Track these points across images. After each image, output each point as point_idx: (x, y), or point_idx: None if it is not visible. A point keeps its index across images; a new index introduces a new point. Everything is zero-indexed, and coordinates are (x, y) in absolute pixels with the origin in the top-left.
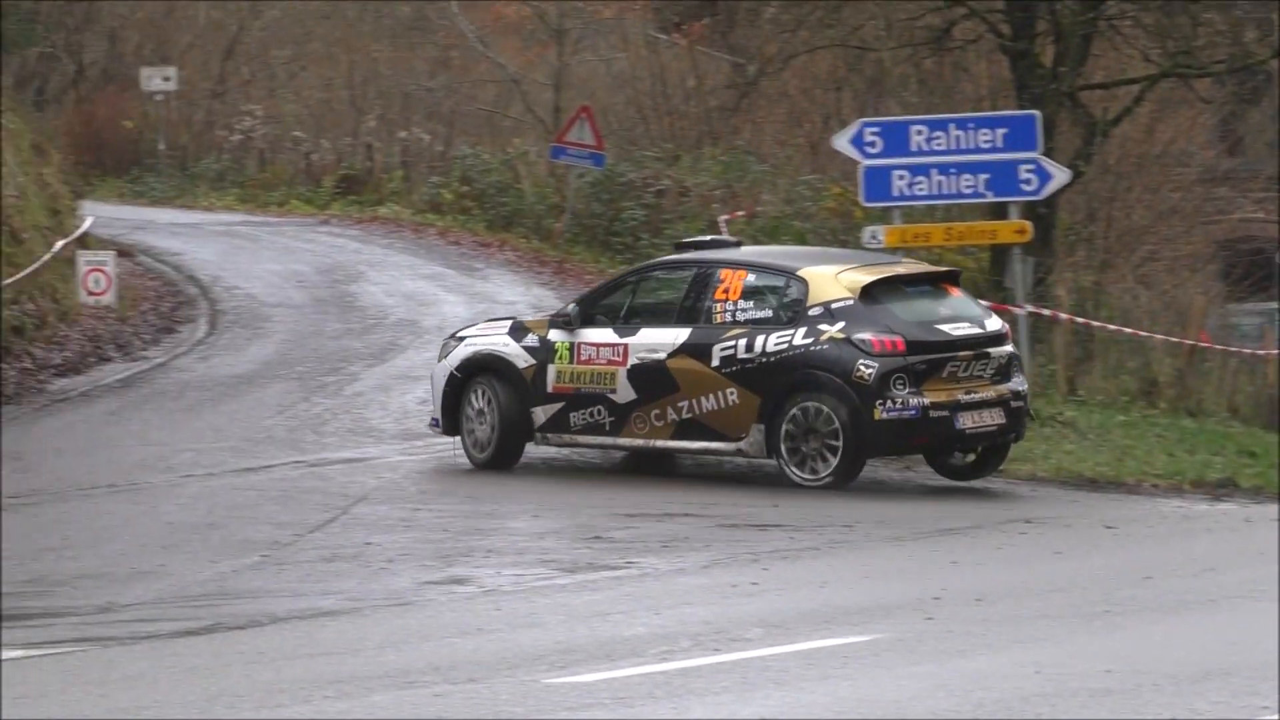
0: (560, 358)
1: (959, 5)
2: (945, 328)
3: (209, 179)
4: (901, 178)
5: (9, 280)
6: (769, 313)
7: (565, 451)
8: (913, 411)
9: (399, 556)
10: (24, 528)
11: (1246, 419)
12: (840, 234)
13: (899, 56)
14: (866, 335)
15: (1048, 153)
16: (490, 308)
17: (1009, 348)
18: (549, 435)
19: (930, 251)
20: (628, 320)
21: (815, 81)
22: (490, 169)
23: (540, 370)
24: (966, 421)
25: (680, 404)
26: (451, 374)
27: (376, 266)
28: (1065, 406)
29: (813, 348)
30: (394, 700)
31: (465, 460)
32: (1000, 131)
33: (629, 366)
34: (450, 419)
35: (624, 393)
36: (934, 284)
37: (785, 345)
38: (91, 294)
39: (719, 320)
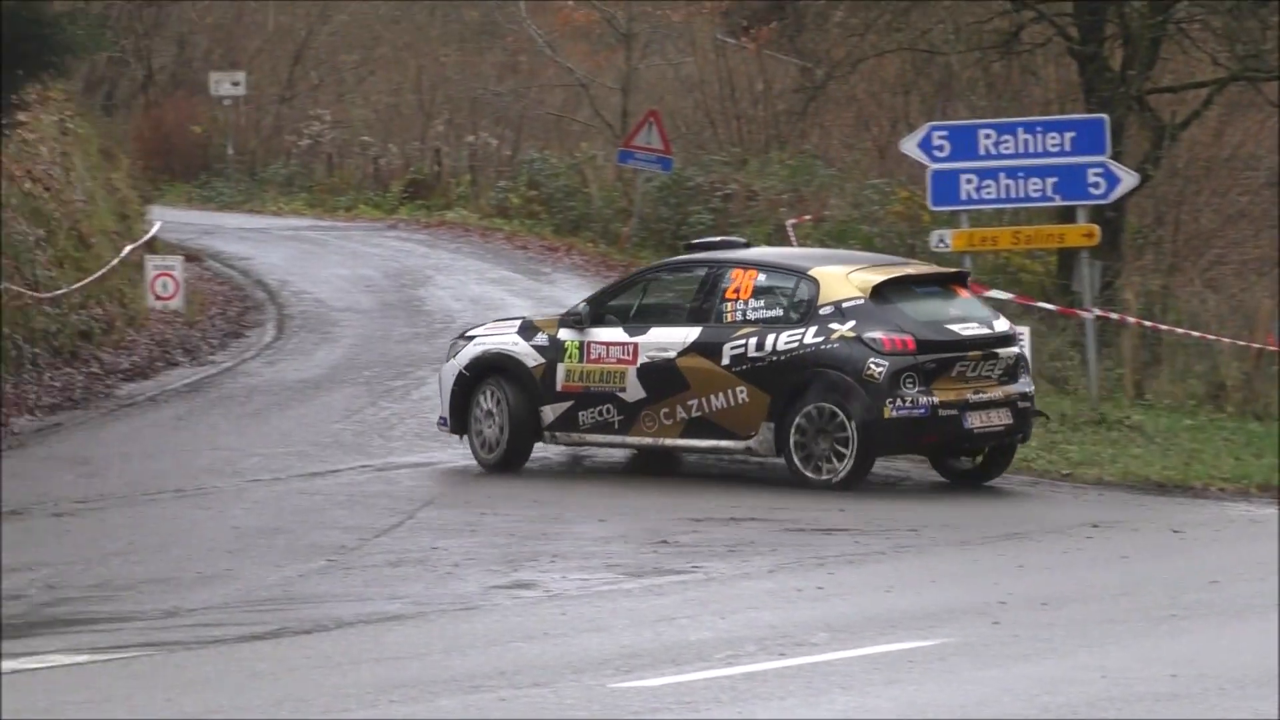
0: (570, 357)
1: (1027, 9)
2: (955, 327)
3: (277, 184)
4: (969, 181)
5: (77, 285)
6: (779, 312)
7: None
8: (922, 410)
9: (465, 561)
10: (91, 532)
11: None
12: (907, 238)
13: (967, 60)
14: (877, 334)
15: (1116, 156)
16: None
17: (1016, 349)
18: (557, 434)
19: (998, 255)
20: (638, 319)
21: (883, 85)
22: (558, 173)
23: (549, 369)
24: (975, 421)
25: (690, 402)
26: (460, 373)
27: (444, 271)
28: (1132, 410)
29: (823, 346)
30: (459, 705)
31: (536, 463)
32: (1068, 135)
33: (639, 365)
34: (458, 419)
35: (633, 391)
36: (943, 285)
37: (796, 344)
38: (159, 299)
39: (729, 319)
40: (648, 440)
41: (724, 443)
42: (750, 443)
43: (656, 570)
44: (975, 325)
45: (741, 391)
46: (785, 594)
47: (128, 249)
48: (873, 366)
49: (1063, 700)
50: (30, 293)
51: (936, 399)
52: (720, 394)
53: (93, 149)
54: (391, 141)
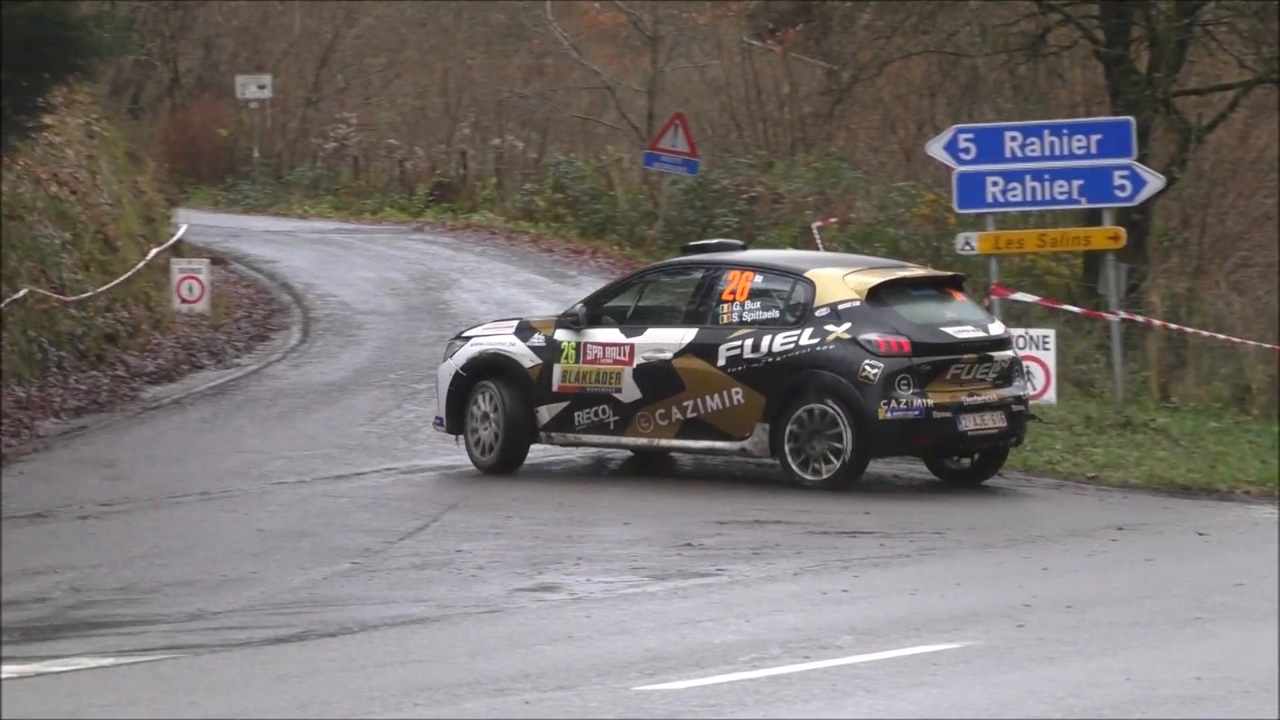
0: (566, 357)
1: (1054, 11)
2: (950, 330)
3: (303, 186)
4: (995, 184)
5: (103, 288)
6: (775, 313)
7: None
8: (916, 412)
9: (489, 564)
10: (116, 535)
11: None
12: (933, 240)
13: (993, 63)
14: (872, 336)
15: (1142, 159)
16: None
17: (1011, 352)
18: (553, 434)
19: (1023, 258)
20: (634, 321)
21: (909, 88)
22: (584, 176)
23: (546, 370)
24: (968, 424)
25: (685, 403)
26: (457, 373)
27: (469, 274)
28: (1158, 413)
29: (819, 348)
30: (484, 708)
31: (561, 466)
32: (1094, 138)
33: (635, 366)
34: (454, 419)
35: (629, 392)
36: (939, 288)
37: (792, 345)
38: (185, 301)
39: (726, 321)
40: (643, 441)
41: (719, 443)
42: (745, 444)
43: (681, 573)
44: (970, 328)
45: (737, 392)
46: (810, 597)
47: (153, 252)
48: (868, 368)
49: (1087, 703)
50: (56, 296)
51: (931, 401)
52: (716, 395)
53: (119, 152)
54: (417, 144)
